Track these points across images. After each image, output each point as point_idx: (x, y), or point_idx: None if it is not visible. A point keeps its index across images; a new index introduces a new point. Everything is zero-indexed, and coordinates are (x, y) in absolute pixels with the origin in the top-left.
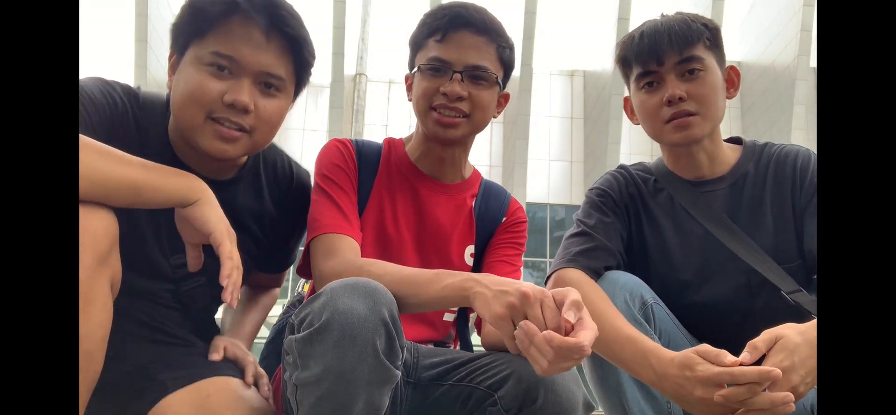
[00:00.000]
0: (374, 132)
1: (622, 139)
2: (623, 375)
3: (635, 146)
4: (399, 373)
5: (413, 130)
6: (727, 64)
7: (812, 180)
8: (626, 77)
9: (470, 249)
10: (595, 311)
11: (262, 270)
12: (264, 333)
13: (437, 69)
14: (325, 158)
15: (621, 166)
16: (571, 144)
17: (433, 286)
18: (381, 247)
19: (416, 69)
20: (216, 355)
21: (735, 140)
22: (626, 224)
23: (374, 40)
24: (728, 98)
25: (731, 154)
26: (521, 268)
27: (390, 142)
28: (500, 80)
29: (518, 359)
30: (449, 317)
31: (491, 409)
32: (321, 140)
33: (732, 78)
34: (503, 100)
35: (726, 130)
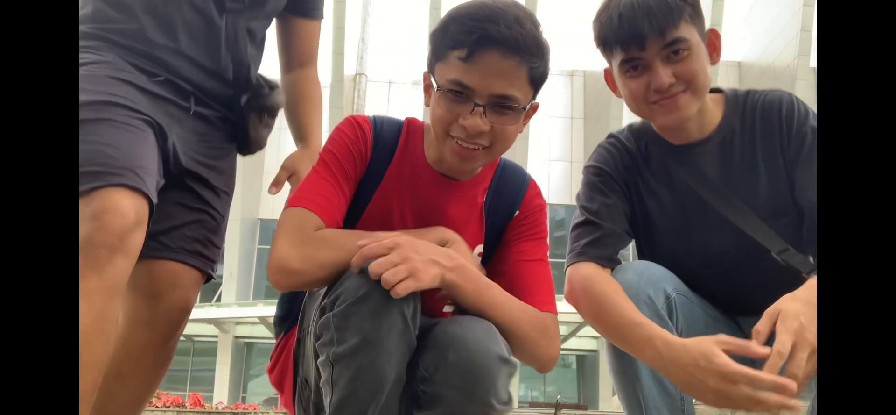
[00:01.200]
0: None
1: None
2: (642, 368)
3: None
4: (415, 343)
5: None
6: (708, 31)
7: (799, 129)
8: (607, 57)
9: (478, 249)
10: (605, 300)
11: None
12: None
13: (459, 93)
14: (337, 138)
15: (611, 136)
16: (571, 144)
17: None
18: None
19: (435, 85)
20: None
21: (715, 90)
22: (628, 199)
23: (373, 40)
24: (712, 64)
25: (715, 109)
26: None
27: (410, 127)
28: (528, 106)
29: (439, 323)
30: (448, 308)
31: (416, 375)
32: (321, 140)
33: (714, 42)
34: (531, 111)
35: None
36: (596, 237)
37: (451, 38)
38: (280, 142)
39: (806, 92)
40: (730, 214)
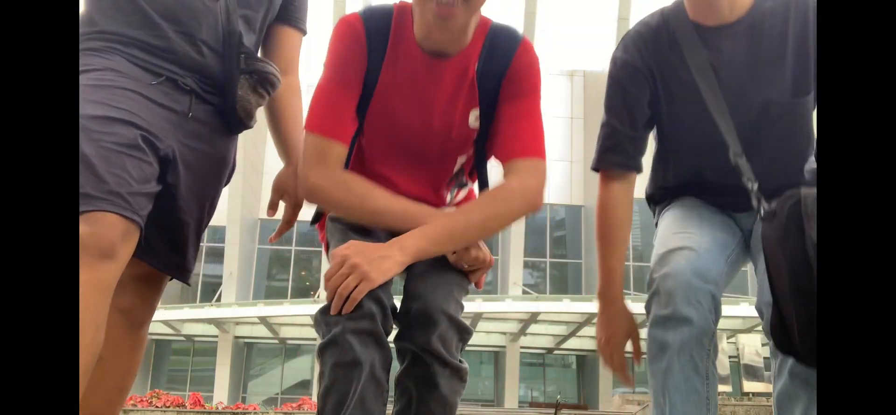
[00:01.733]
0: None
1: None
2: (674, 361)
3: None
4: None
5: None
6: None
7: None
8: None
9: (475, 113)
10: (605, 235)
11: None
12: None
13: None
14: (333, 45)
15: (640, 22)
16: (571, 144)
17: (393, 221)
18: (390, 126)
19: None
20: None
21: None
22: (652, 88)
23: None
24: None
25: None
26: (540, 111)
27: (401, 9)
28: None
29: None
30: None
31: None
32: None
33: None
34: None
35: None
36: (614, 143)
37: None
38: None
39: None
40: (711, 103)
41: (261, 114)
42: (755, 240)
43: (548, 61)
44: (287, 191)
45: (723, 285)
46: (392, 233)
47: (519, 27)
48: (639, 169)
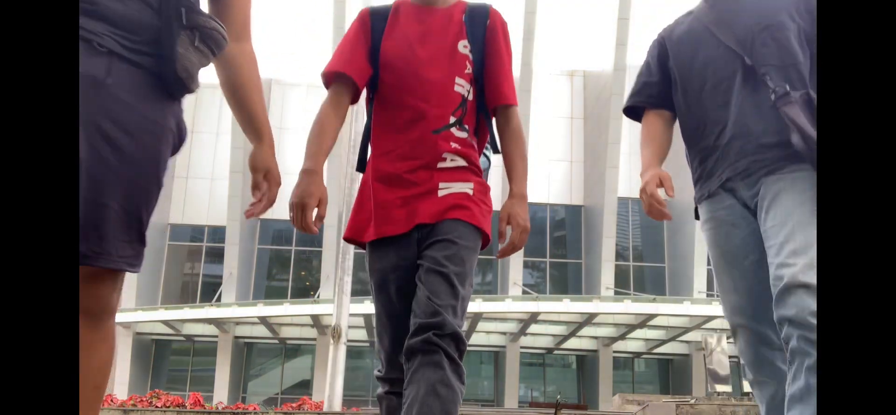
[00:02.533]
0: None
1: (622, 139)
2: (777, 355)
3: (635, 145)
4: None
5: None
6: None
7: None
8: None
9: (463, 42)
10: (642, 148)
11: None
12: None
13: None
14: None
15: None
16: (571, 144)
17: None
18: (399, 55)
19: None
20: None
21: None
22: (671, 47)
23: None
24: None
25: None
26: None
27: (399, 2)
28: None
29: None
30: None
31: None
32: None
33: None
34: None
35: None
36: (639, 87)
37: None
38: (280, 142)
39: None
40: (718, 30)
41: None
42: (761, 198)
43: (548, 61)
44: (268, 169)
45: (765, 280)
46: (407, 251)
47: (519, 27)
48: (655, 100)
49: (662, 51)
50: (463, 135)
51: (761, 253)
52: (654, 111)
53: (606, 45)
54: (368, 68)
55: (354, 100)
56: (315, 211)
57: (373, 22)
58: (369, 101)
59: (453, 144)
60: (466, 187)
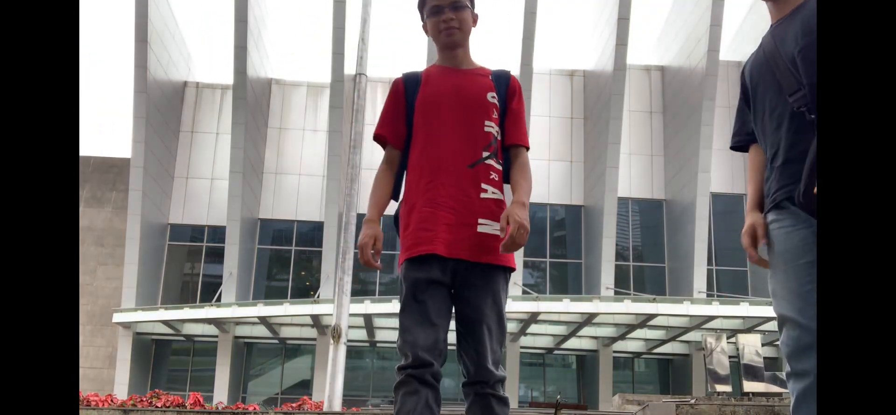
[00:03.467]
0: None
1: (622, 139)
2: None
3: (635, 146)
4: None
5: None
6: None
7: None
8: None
9: (491, 94)
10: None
11: None
12: None
13: (436, 10)
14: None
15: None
16: (571, 144)
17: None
18: (437, 101)
19: (425, 17)
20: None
21: None
22: (751, 85)
23: (373, 40)
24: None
25: None
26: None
27: (429, 69)
28: (471, 5)
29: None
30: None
31: None
32: (321, 140)
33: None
34: (476, 17)
35: (726, 129)
36: (737, 126)
37: None
38: (281, 143)
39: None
40: (773, 59)
41: (257, 117)
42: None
43: (548, 61)
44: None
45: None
46: (443, 274)
47: (519, 27)
48: (749, 134)
49: (744, 85)
50: (498, 167)
51: (815, 257)
52: (755, 145)
53: (606, 45)
54: (403, 129)
55: (400, 149)
56: (372, 251)
57: (406, 87)
58: (408, 140)
59: (492, 176)
60: (500, 231)
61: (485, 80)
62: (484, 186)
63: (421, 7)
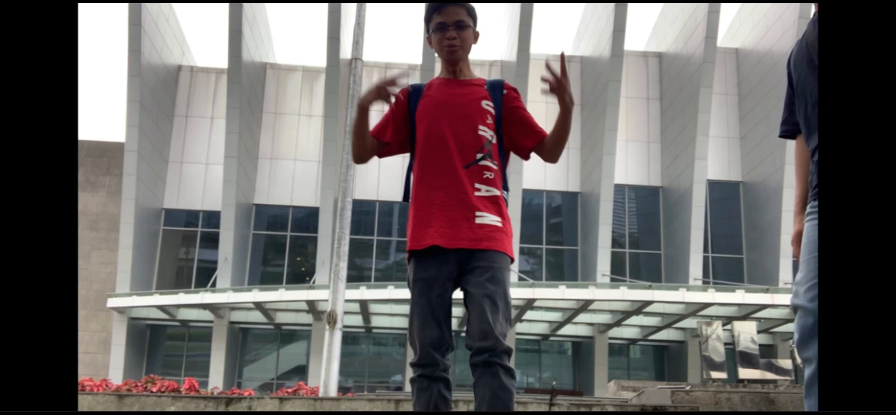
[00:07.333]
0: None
1: (619, 125)
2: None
3: (632, 133)
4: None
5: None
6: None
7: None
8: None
9: (487, 101)
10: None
11: None
12: None
13: (441, 27)
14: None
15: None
16: None
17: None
18: (436, 109)
19: (430, 31)
20: None
21: None
22: (796, 78)
23: (369, 25)
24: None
25: None
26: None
27: (431, 81)
28: (473, 25)
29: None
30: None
31: None
32: (317, 125)
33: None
34: (477, 35)
35: (723, 116)
36: (784, 116)
37: (431, 8)
38: (276, 127)
39: None
40: (811, 50)
41: (253, 102)
42: None
43: (544, 47)
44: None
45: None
46: (447, 267)
47: (516, 13)
48: (793, 124)
49: (790, 75)
50: (493, 167)
51: None
52: (801, 136)
53: (604, 32)
54: (391, 129)
55: (381, 141)
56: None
57: (409, 96)
58: (413, 146)
59: (486, 175)
60: (496, 221)
61: (480, 90)
62: (478, 185)
63: (427, 22)
